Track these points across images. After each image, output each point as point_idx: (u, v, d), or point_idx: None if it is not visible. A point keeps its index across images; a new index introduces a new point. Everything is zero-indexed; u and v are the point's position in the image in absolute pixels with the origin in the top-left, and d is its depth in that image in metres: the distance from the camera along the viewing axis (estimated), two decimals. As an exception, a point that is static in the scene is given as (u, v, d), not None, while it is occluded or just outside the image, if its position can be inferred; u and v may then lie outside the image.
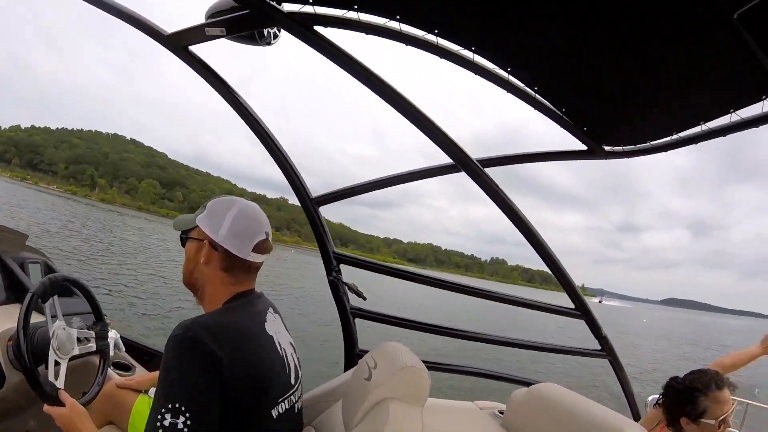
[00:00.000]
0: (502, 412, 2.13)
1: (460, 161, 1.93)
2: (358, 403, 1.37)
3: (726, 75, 1.52)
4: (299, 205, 2.25)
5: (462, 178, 2.09)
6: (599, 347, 2.58)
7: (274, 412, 1.21)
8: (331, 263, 2.27)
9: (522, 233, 2.15)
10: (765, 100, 1.51)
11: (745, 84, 1.53)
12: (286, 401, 1.27)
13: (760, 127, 1.66)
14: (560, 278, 2.29)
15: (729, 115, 1.62)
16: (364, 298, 2.19)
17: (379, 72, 1.74)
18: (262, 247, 1.29)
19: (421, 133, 1.83)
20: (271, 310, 1.41)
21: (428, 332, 2.51)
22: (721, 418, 1.72)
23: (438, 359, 2.61)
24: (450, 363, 2.69)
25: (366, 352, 2.01)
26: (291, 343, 1.42)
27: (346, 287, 2.23)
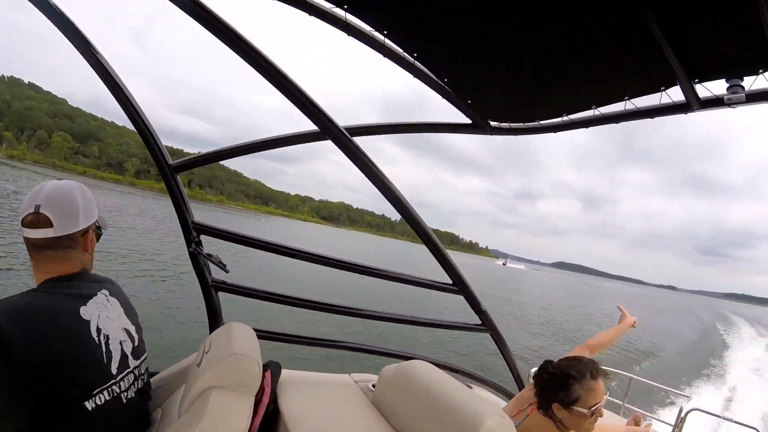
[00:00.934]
0: (375, 386, 2.08)
1: (326, 129, 1.65)
2: (189, 391, 1.31)
3: (626, 62, 1.45)
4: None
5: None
6: (480, 322, 2.45)
7: (90, 404, 1.11)
8: (191, 234, 1.95)
9: (395, 207, 1.87)
10: (663, 92, 1.48)
11: (644, 73, 1.47)
12: (106, 392, 1.17)
13: (654, 118, 1.65)
14: (436, 253, 2.05)
15: (623, 102, 1.57)
16: (227, 271, 1.95)
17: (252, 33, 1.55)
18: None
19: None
20: (104, 294, 1.31)
21: (299, 307, 2.25)
22: (593, 407, 1.64)
23: (317, 335, 2.51)
24: (323, 338, 2.52)
25: None
26: (126, 330, 1.33)
27: (207, 259, 1.96)
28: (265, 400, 1.62)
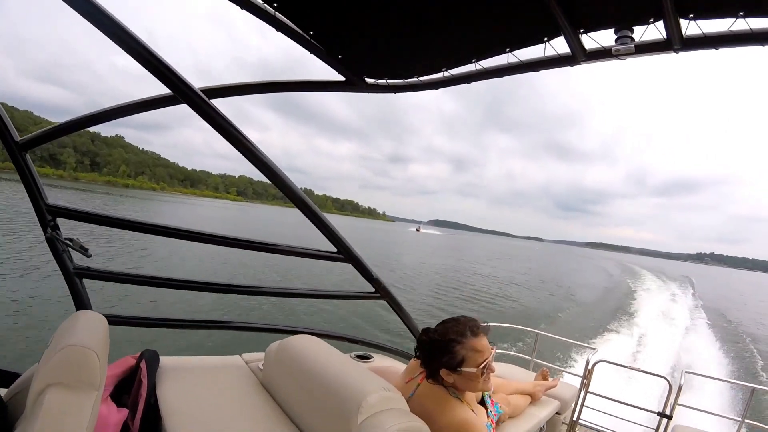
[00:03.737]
0: None
1: (179, 91, 1.41)
2: (30, 391, 1.15)
3: (505, 12, 1.38)
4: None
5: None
6: (373, 289, 2.34)
7: None
8: (45, 218, 1.68)
9: (265, 174, 1.64)
10: (546, 43, 1.43)
11: (525, 23, 1.41)
12: None
13: (539, 71, 1.60)
14: (315, 221, 1.86)
15: (506, 55, 1.52)
16: (89, 255, 1.72)
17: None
18: None
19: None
20: None
21: (176, 288, 2.02)
22: (482, 365, 1.59)
23: (199, 317, 2.28)
24: (204, 319, 2.25)
25: (107, 318, 1.66)
26: None
27: (67, 245, 1.73)
28: (143, 393, 1.48)
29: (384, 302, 2.47)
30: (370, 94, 2.14)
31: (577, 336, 12.79)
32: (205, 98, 1.46)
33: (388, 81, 2.03)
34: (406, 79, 1.99)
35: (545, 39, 1.44)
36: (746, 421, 3.65)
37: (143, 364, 1.66)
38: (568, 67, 1.55)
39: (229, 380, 1.87)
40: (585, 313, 19.94)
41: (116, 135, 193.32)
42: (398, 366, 2.74)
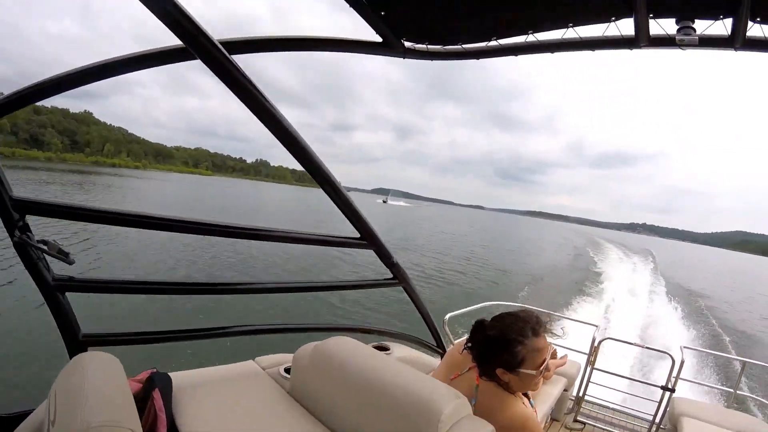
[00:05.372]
0: (288, 371, 1.83)
1: (195, 42, 1.09)
2: None
3: None
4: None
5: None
6: (391, 275, 2.19)
7: None
8: (12, 216, 1.28)
9: (291, 151, 1.41)
10: (612, 23, 1.30)
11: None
12: None
13: (595, 51, 1.46)
14: (341, 204, 1.66)
15: (565, 29, 1.37)
16: (70, 262, 1.33)
17: None
18: None
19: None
20: None
21: (175, 293, 1.68)
22: (541, 366, 1.52)
23: (207, 324, 2.11)
24: (212, 327, 1.91)
25: (95, 338, 1.54)
26: None
27: (42, 251, 1.31)
28: (162, 430, 1.29)
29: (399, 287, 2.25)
30: (396, 57, 1.75)
31: (560, 303, 14.03)
32: (227, 54, 1.14)
33: (429, 46, 1.71)
34: (448, 45, 1.69)
35: (612, 18, 1.28)
36: (738, 392, 3.98)
37: (156, 395, 1.38)
38: (626, 50, 1.42)
39: (252, 392, 1.65)
40: (565, 285, 20.53)
41: (84, 111, 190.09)
42: (419, 356, 2.69)
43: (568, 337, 9.08)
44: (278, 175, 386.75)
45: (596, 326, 4.19)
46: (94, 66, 1.33)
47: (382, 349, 2.62)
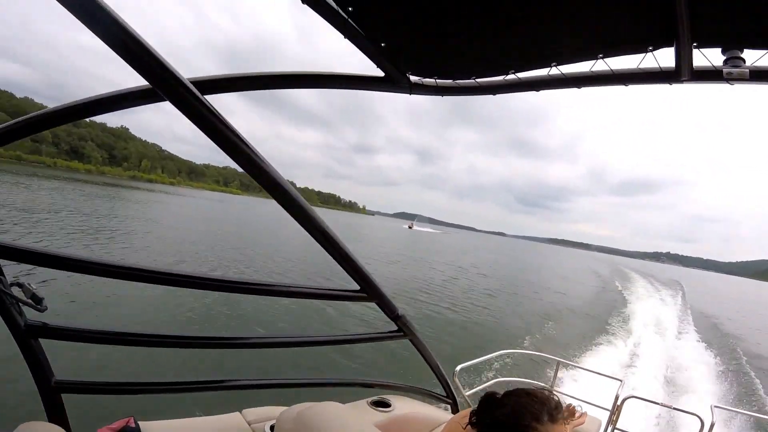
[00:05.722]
0: (273, 429, 1.72)
1: (162, 83, 0.89)
2: None
3: (611, 8, 1.03)
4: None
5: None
6: (396, 328, 1.97)
7: None
8: None
9: (275, 197, 1.12)
10: (649, 53, 1.10)
11: (632, 26, 1.06)
12: None
13: (629, 86, 1.25)
14: (337, 256, 1.38)
15: (594, 61, 1.17)
16: (42, 309, 1.23)
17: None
18: None
19: None
20: None
21: (156, 346, 1.50)
22: None
23: (191, 375, 1.87)
24: (195, 380, 1.71)
25: (69, 385, 1.44)
26: None
27: (13, 297, 1.23)
28: None
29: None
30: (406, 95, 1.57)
31: (581, 346, 13.40)
32: (198, 93, 0.92)
33: (438, 81, 1.52)
34: (459, 79, 1.50)
35: (650, 48, 1.09)
36: None
37: None
38: (665, 85, 1.22)
39: None
40: (586, 323, 18.69)
41: (121, 126, 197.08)
42: (424, 410, 2.56)
43: (586, 388, 7.33)
44: (304, 196, 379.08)
45: (620, 381, 3.97)
46: (64, 107, 1.23)
47: (383, 404, 2.49)
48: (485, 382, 4.37)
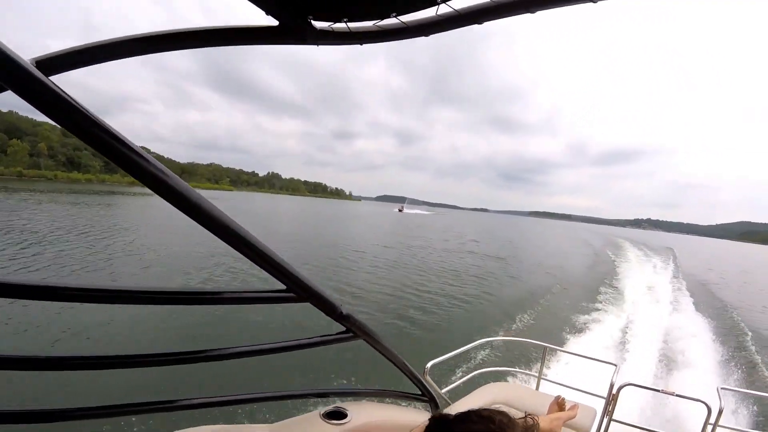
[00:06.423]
0: None
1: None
2: None
3: None
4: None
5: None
6: (344, 329, 1.56)
7: None
8: None
9: (153, 188, 0.76)
10: None
11: None
12: None
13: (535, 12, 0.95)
14: (255, 257, 0.98)
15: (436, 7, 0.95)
16: None
17: None
18: None
19: None
20: None
21: (81, 369, 1.13)
22: None
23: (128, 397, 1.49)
24: (122, 403, 1.37)
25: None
26: None
27: None
28: None
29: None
30: (312, 47, 1.14)
31: (571, 325, 12.65)
32: (40, 75, 0.62)
33: (350, 25, 1.09)
34: (378, 20, 1.09)
35: None
36: None
37: None
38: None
39: None
40: (574, 298, 17.69)
41: None
42: (390, 416, 2.29)
43: (578, 375, 6.27)
44: (291, 187, 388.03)
45: (615, 366, 3.60)
46: None
47: (338, 415, 2.11)
48: (464, 376, 4.11)
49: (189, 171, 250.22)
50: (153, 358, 1.23)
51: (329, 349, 1.97)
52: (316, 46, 1.12)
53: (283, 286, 1.20)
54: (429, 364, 3.12)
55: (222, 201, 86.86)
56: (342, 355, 8.42)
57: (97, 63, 1.09)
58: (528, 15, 0.97)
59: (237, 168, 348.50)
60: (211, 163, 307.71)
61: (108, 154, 0.70)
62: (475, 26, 1.06)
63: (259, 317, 11.02)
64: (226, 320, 10.77)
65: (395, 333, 11.35)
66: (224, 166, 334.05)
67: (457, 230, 63.54)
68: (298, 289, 1.21)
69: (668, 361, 10.62)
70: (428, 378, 2.76)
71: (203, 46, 1.13)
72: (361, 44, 1.16)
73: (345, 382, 7.26)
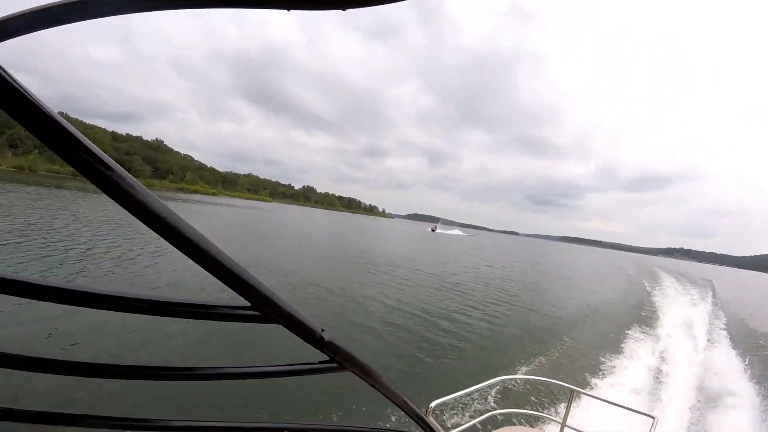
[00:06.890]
0: None
1: None
2: None
3: None
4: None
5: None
6: (327, 359, 1.01)
7: None
8: None
9: (102, 187, 0.43)
10: None
11: None
12: None
13: None
14: (218, 270, 0.62)
15: None
16: None
17: None
18: None
19: None
20: None
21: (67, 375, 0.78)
22: None
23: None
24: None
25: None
26: None
27: None
28: None
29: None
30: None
31: (598, 366, 10.65)
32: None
33: None
34: None
35: None
36: None
37: None
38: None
39: None
40: (603, 334, 15.42)
41: (156, 139, 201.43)
42: None
43: (609, 424, 6.12)
44: (327, 201, 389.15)
45: (653, 418, 3.23)
46: None
47: None
48: (476, 417, 3.58)
49: (230, 180, 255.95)
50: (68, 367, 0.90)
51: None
52: (287, 10, 0.85)
53: (247, 303, 0.88)
54: (433, 404, 2.81)
55: (269, 212, 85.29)
56: (326, 382, 7.07)
57: (68, 23, 0.74)
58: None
59: (273, 180, 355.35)
60: (249, 174, 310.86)
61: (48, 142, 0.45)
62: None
63: (226, 330, 9.68)
64: (184, 331, 9.33)
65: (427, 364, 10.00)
66: (267, 178, 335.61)
67: (510, 254, 61.53)
68: (264, 307, 0.88)
69: (716, 416, 8.67)
70: (431, 419, 2.35)
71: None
72: (344, 9, 0.93)
73: (324, 417, 6.25)
